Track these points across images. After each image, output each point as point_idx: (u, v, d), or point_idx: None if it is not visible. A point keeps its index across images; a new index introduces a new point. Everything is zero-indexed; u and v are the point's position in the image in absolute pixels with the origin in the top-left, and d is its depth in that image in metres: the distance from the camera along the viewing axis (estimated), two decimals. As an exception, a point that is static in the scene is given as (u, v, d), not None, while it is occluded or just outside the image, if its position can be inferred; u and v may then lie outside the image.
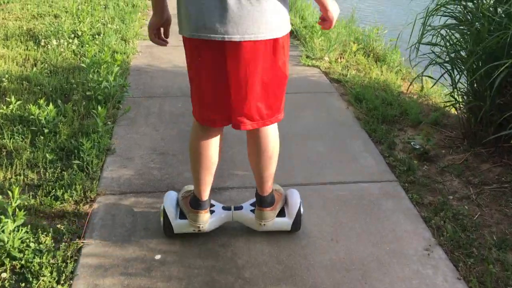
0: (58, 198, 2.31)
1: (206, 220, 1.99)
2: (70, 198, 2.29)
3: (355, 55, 4.44)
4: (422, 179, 2.58)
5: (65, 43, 4.32)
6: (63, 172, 2.50)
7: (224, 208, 2.09)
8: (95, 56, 3.63)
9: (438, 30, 3.19)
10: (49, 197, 2.30)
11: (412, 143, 2.88)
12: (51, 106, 2.90)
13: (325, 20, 1.74)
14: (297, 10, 5.71)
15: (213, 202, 2.11)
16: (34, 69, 3.76)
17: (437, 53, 3.18)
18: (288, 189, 2.19)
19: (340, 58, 4.40)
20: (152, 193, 2.39)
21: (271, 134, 1.89)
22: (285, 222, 2.08)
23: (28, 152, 2.65)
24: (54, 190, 2.35)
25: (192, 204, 1.99)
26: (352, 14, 5.22)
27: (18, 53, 4.16)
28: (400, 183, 2.53)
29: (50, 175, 2.48)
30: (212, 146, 1.88)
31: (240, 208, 2.10)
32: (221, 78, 1.71)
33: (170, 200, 2.06)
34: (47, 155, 2.62)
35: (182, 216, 2.04)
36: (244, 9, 1.58)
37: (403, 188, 2.49)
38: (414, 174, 2.61)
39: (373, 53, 4.53)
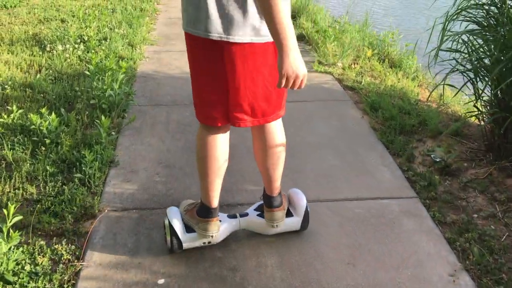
0: (58, 214, 2.18)
1: (218, 229, 1.90)
2: (70, 215, 2.16)
3: (369, 61, 4.28)
4: (444, 195, 2.42)
5: (71, 49, 4.22)
6: (63, 186, 2.38)
7: (229, 216, 2.01)
8: (100, 62, 3.51)
9: (459, 35, 3.02)
10: (48, 214, 2.17)
11: (432, 155, 2.72)
12: (53, 115, 2.78)
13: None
14: (308, 14, 5.56)
15: None
16: (38, 75, 3.65)
17: (457, 60, 3.02)
18: (290, 189, 2.14)
19: (354, 64, 4.25)
20: (156, 209, 2.25)
21: (277, 130, 1.85)
22: (295, 221, 2.04)
23: (28, 164, 2.53)
24: (53, 206, 2.22)
25: (201, 213, 1.90)
26: (365, 17, 5.06)
27: (23, 59, 4.06)
28: (420, 200, 2.37)
29: (50, 189, 2.36)
30: (219, 147, 1.81)
31: (246, 214, 2.03)
32: (218, 75, 1.69)
33: (174, 214, 1.94)
34: (47, 167, 2.50)
35: (188, 230, 1.94)
36: (227, 10, 1.55)
37: (424, 205, 2.33)
38: (435, 190, 2.45)
39: (388, 59, 4.36)
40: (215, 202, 1.89)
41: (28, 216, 2.16)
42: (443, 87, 2.89)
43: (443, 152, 2.73)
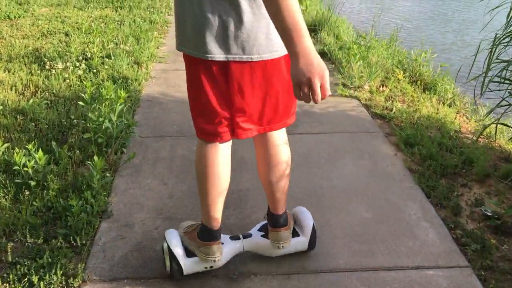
0: (34, 285, 1.80)
1: (221, 253, 1.79)
2: (47, 289, 1.78)
3: (399, 83, 3.85)
4: (502, 263, 1.99)
5: (71, 67, 3.87)
6: (45, 244, 2.01)
7: (232, 238, 1.90)
8: (98, 87, 3.14)
9: (511, 62, 2.60)
10: (21, 284, 1.80)
11: (483, 208, 2.29)
12: (40, 153, 2.41)
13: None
14: (330, 27, 5.15)
15: None
16: (32, 99, 3.30)
17: (510, 91, 2.59)
18: (295, 207, 2.02)
19: (382, 86, 3.82)
20: (152, 279, 1.86)
21: (282, 142, 1.75)
22: (301, 242, 1.92)
23: (7, 214, 2.16)
24: (29, 273, 1.85)
25: (202, 236, 1.78)
26: (393, 32, 4.63)
27: (19, 78, 3.72)
28: (474, 271, 1.94)
29: (30, 247, 1.99)
30: (221, 162, 1.70)
31: (249, 235, 1.91)
32: (222, 93, 1.58)
33: (173, 237, 1.82)
34: (29, 219, 2.13)
35: (189, 254, 1.82)
36: (228, 30, 1.46)
37: (479, 278, 1.90)
38: (491, 257, 2.02)
39: (420, 80, 3.93)
40: (217, 224, 1.77)
41: (-3, 288, 1.79)
42: (496, 126, 2.45)
43: (494, 204, 2.29)
